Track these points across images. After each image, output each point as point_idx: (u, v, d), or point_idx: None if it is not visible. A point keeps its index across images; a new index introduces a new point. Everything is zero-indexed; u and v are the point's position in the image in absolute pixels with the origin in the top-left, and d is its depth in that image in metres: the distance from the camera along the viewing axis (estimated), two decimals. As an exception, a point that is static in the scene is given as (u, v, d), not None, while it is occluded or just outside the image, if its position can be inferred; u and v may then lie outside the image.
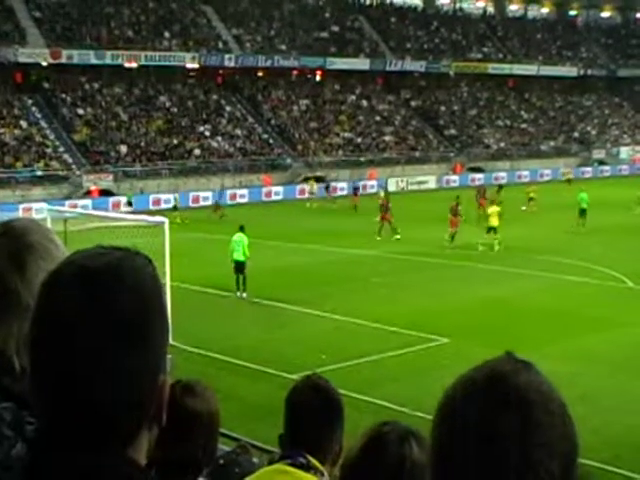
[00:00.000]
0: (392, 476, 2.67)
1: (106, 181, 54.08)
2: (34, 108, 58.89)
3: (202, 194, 54.23)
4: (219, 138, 63.28)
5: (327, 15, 79.30)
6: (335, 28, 77.85)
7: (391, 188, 60.37)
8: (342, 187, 59.15)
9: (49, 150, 55.51)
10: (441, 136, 75.78)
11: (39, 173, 52.77)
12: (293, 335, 21.68)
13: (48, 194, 50.20)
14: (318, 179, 60.88)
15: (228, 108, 67.42)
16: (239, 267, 25.80)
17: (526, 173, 72.18)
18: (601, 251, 33.00)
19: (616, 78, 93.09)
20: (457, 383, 1.40)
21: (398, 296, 25.89)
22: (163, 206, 50.59)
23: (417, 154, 71.47)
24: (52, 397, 1.43)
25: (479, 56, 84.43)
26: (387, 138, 71.75)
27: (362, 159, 67.69)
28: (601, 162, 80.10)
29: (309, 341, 20.98)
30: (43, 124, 57.79)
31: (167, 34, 66.89)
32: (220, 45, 69.01)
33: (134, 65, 64.26)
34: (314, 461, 3.12)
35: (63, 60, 59.58)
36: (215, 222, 43.16)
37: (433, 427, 1.41)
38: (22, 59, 58.19)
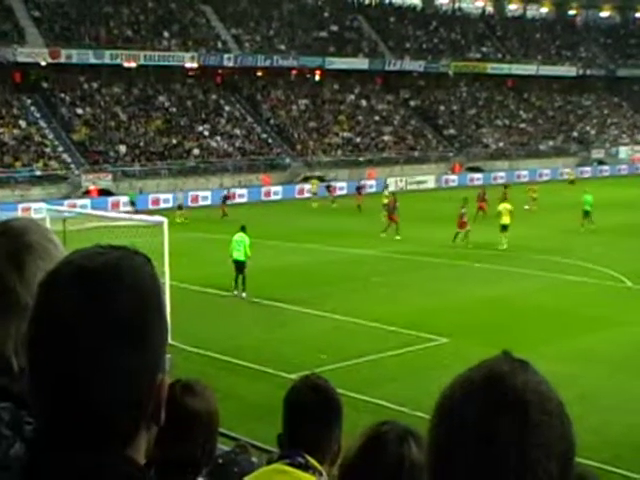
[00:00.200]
0: (391, 476, 2.66)
1: (105, 181, 54.06)
2: (33, 108, 58.88)
3: (201, 194, 54.21)
4: (218, 138, 63.28)
5: (326, 15, 79.30)
6: (334, 28, 77.85)
7: (390, 188, 60.36)
8: (341, 187, 59.12)
9: (48, 150, 55.49)
10: (440, 136, 75.78)
11: (38, 173, 52.75)
12: (292, 335, 21.68)
13: (47, 194, 50.18)
14: (318, 179, 60.88)
15: (227, 108, 67.42)
16: (239, 267, 25.80)
17: (525, 173, 72.20)
18: (600, 251, 33.01)
19: (615, 78, 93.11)
20: (455, 383, 1.40)
21: (397, 296, 25.89)
22: (162, 206, 50.64)
23: (416, 154, 71.47)
24: (50, 397, 1.43)
25: (478, 56, 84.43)
26: (386, 138, 71.75)
27: (361, 159, 67.69)
28: (600, 162, 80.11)
29: (308, 341, 20.98)
30: (42, 124, 57.77)
31: (166, 34, 66.88)
32: (219, 45, 69.01)
33: (133, 65, 64.24)
34: (313, 461, 3.12)
35: (62, 60, 59.55)
36: (215, 222, 43.10)
37: (430, 427, 1.40)
38: (21, 59, 58.16)
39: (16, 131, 55.60)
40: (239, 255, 25.76)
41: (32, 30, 60.46)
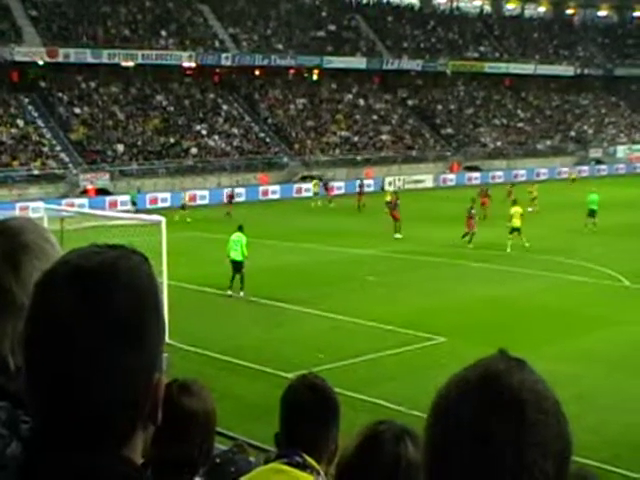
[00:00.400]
0: (387, 475, 2.67)
1: (103, 180, 54.04)
2: (31, 107, 58.83)
3: (199, 193, 54.18)
4: (216, 137, 63.27)
5: (324, 14, 79.29)
6: (332, 27, 77.85)
7: (388, 187, 60.37)
8: (339, 186, 59.11)
9: (46, 149, 55.45)
10: (438, 135, 75.79)
11: (36, 172, 52.72)
12: (290, 334, 21.68)
13: (45, 193, 50.17)
14: (319, 179, 60.88)
15: (225, 107, 67.40)
16: (236, 266, 25.79)
17: (523, 172, 72.22)
18: (597, 250, 33.03)
19: (613, 77, 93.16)
20: (450, 382, 1.40)
21: (395, 295, 25.89)
22: (160, 205, 50.63)
23: (414, 153, 71.49)
24: (47, 396, 1.42)
25: (476, 55, 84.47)
26: (384, 137, 71.77)
27: (359, 158, 67.69)
28: (598, 161, 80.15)
29: (306, 340, 20.97)
30: (40, 123, 57.74)
31: (164, 33, 66.85)
32: (217, 44, 68.98)
33: (131, 64, 64.23)
34: (310, 460, 3.12)
35: (60, 59, 59.52)
36: (213, 221, 43.07)
37: (426, 427, 1.40)
38: (18, 58, 58.12)
39: (14, 130, 55.56)
40: (236, 255, 25.74)
41: (29, 29, 60.41)
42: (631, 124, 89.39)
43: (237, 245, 25.80)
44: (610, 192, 54.38)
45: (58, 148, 56.16)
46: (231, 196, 48.66)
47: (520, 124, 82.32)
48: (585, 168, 76.14)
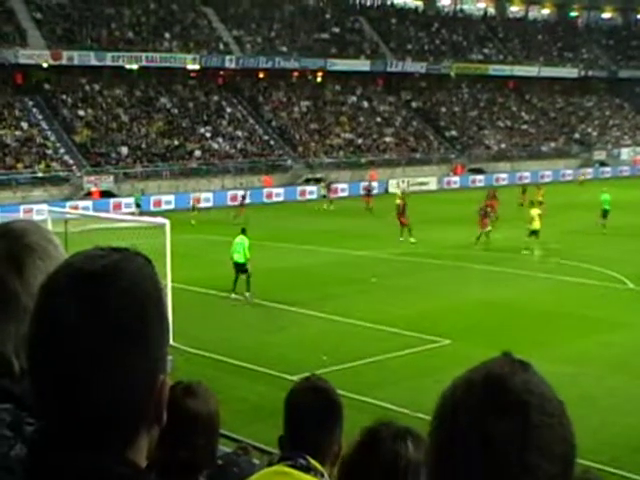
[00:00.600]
0: (387, 473, 2.67)
1: (107, 182, 54.10)
2: (35, 109, 58.93)
3: (203, 195, 54.20)
4: (220, 139, 63.31)
5: (327, 16, 79.34)
6: (335, 29, 77.88)
7: (391, 189, 60.38)
8: (343, 188, 59.10)
9: (50, 151, 55.53)
10: (442, 137, 75.79)
11: (40, 174, 52.79)
12: (294, 336, 21.67)
13: (49, 195, 50.26)
14: (318, 180, 60.94)
15: (229, 109, 67.45)
16: (239, 268, 25.84)
17: (527, 174, 72.15)
18: (602, 252, 32.97)
19: (617, 79, 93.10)
20: (455, 384, 1.40)
21: (399, 297, 25.88)
22: (164, 207, 50.68)
23: (418, 155, 71.48)
24: (51, 398, 1.43)
25: (480, 57, 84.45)
26: (388, 139, 71.76)
27: (363, 160, 67.70)
28: (602, 163, 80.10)
29: (310, 342, 20.97)
30: (44, 125, 57.82)
31: (168, 35, 66.91)
32: (221, 46, 69.03)
33: (135, 66, 64.32)
34: (314, 462, 3.12)
35: (64, 61, 59.60)
36: (217, 223, 43.06)
37: (431, 430, 1.40)
38: (23, 60, 58.19)
39: (18, 133, 55.65)
40: (239, 257, 25.80)
41: (34, 32, 60.50)
42: (635, 126, 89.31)
43: (240, 247, 25.86)
44: (614, 194, 54.33)
45: (62, 150, 56.24)
46: (243, 198, 48.33)
47: (524, 126, 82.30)
48: (589, 170, 76.12)
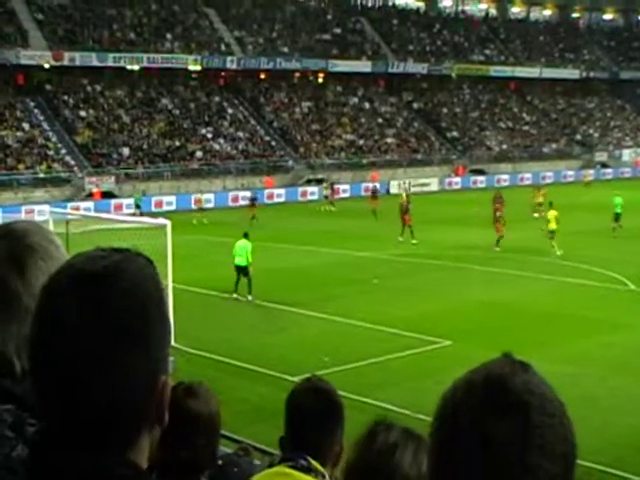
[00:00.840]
0: (383, 472, 2.67)
1: (108, 183, 54.13)
2: (36, 110, 58.97)
3: (204, 196, 54.18)
4: (221, 140, 63.34)
5: (329, 17, 79.37)
6: (337, 30, 77.91)
7: (393, 190, 60.39)
8: (345, 189, 59.10)
9: (51, 152, 55.57)
10: (443, 138, 75.80)
11: (41, 175, 52.83)
12: (295, 337, 21.68)
13: (50, 196, 50.29)
14: (319, 181, 60.95)
15: (230, 110, 67.48)
16: (241, 271, 25.84)
17: (528, 175, 72.16)
18: (603, 253, 32.95)
19: (618, 80, 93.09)
20: (455, 386, 1.40)
21: (400, 298, 25.88)
22: (165, 208, 50.69)
23: (419, 156, 71.50)
24: (52, 400, 1.43)
25: (481, 58, 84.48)
26: (389, 140, 71.78)
27: (364, 161, 67.72)
28: (603, 165, 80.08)
29: (311, 343, 20.97)
30: (45, 126, 57.86)
31: (169, 36, 66.94)
32: (222, 47, 69.06)
33: (136, 67, 64.36)
34: (315, 463, 3.12)
35: (65, 62, 59.66)
36: (220, 224, 43.06)
37: (432, 431, 1.40)
38: (24, 61, 58.26)
39: (19, 133, 55.69)
40: (241, 261, 25.80)
41: (35, 33, 60.56)
42: (637, 127, 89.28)
43: (242, 251, 25.86)
44: (608, 195, 54.32)
45: (63, 151, 56.28)
46: (253, 199, 48.11)
47: (525, 127, 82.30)
48: (590, 172, 76.09)
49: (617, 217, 39.45)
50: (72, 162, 55.52)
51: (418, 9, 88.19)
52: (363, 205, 50.20)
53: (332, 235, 38.83)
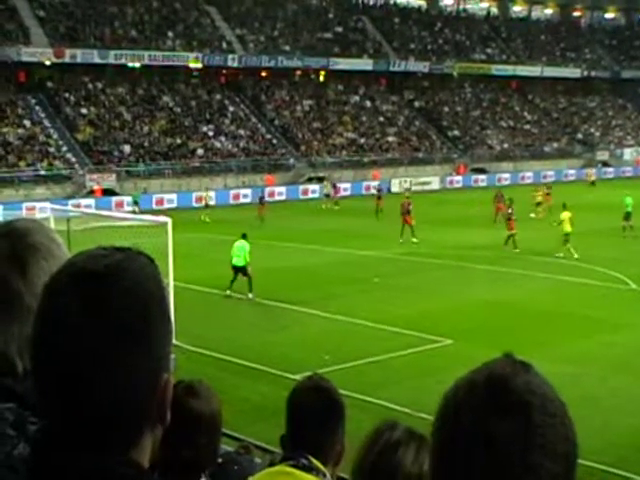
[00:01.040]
0: (386, 469, 2.68)
1: (109, 181, 54.14)
2: (37, 107, 58.98)
3: (203, 194, 54.20)
4: (222, 138, 63.35)
5: (330, 15, 79.35)
6: (338, 29, 77.90)
7: (394, 189, 60.39)
8: (345, 187, 59.11)
9: (52, 149, 55.58)
10: (444, 137, 75.79)
11: (42, 172, 52.85)
12: (296, 336, 21.67)
13: (51, 193, 50.30)
14: (320, 179, 60.95)
15: (231, 108, 67.48)
16: (238, 271, 25.80)
17: (529, 174, 72.18)
18: (604, 253, 32.93)
19: (620, 79, 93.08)
20: (456, 386, 1.40)
21: (402, 297, 25.87)
22: (166, 206, 50.71)
23: (420, 155, 71.51)
24: (54, 399, 1.43)
25: (482, 57, 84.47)
26: (390, 139, 71.78)
27: (365, 159, 67.72)
28: (604, 164, 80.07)
29: (312, 342, 20.96)
30: (46, 123, 57.89)
31: (171, 34, 66.95)
32: (223, 45, 69.07)
33: (137, 65, 64.37)
34: (316, 462, 3.12)
35: (66, 59, 59.69)
36: (222, 222, 43.06)
37: (433, 431, 1.40)
38: (25, 58, 58.29)
39: (20, 131, 55.71)
40: (238, 261, 25.76)
41: (37, 30, 60.57)
42: (638, 126, 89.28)
43: (240, 251, 25.84)
44: (617, 195, 54.32)
45: (65, 148, 56.30)
46: (262, 198, 47.94)
47: (527, 126, 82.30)
48: (593, 170, 76.09)
49: (627, 216, 39.50)
50: (73, 159, 55.55)
51: (419, 7, 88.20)
52: (365, 204, 50.20)
53: (333, 234, 38.82)
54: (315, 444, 3.17)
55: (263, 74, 71.73)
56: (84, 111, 59.92)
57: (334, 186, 54.45)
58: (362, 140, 70.15)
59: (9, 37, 58.52)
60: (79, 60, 60.35)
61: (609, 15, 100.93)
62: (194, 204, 52.05)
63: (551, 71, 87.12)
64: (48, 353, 1.43)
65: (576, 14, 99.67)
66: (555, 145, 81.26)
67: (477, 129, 78.46)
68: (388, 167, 67.46)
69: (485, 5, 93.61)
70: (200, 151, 60.85)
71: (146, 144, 59.19)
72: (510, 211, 35.78)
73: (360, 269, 30.46)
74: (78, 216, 28.25)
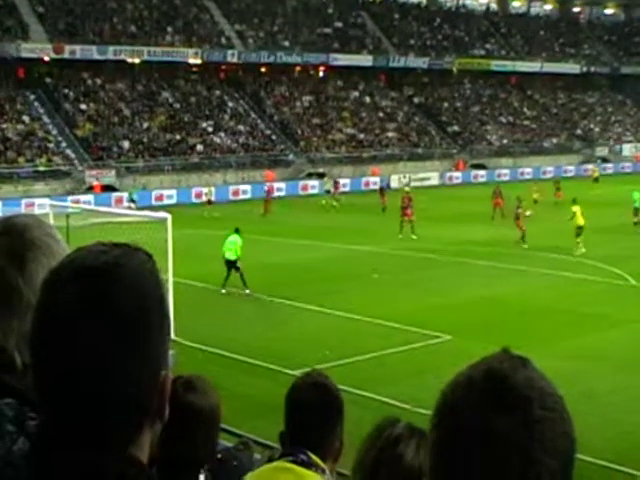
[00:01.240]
0: (387, 463, 2.69)
1: (108, 177, 54.10)
2: (36, 103, 58.93)
3: (205, 190, 54.18)
4: (222, 134, 63.29)
5: (330, 11, 79.26)
6: (338, 24, 77.82)
7: (393, 185, 60.34)
8: (345, 183, 59.07)
9: (51, 145, 55.54)
10: (444, 133, 75.74)
11: (41, 168, 52.79)
12: (296, 331, 21.68)
13: (50, 189, 50.25)
14: (320, 175, 60.89)
15: (231, 104, 67.43)
16: (230, 265, 25.86)
17: (529, 170, 72.14)
18: (604, 249, 32.92)
19: (619, 75, 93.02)
20: (455, 381, 1.39)
21: (401, 293, 25.88)
22: (166, 202, 50.66)
23: (420, 151, 71.45)
24: (53, 394, 1.43)
25: (482, 53, 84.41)
26: (390, 134, 71.73)
27: (365, 155, 67.68)
28: (604, 159, 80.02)
29: (312, 337, 20.98)
30: (45, 119, 57.83)
31: (170, 30, 66.88)
32: (223, 41, 69.01)
33: (137, 61, 64.30)
34: (315, 458, 3.12)
35: (66, 55, 59.58)
36: (221, 218, 43.05)
37: (431, 427, 1.39)
38: (25, 54, 58.20)
39: (19, 126, 55.65)
40: (230, 255, 25.83)
41: (36, 26, 60.50)
42: (637, 122, 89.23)
43: (232, 245, 25.91)
44: (616, 191, 54.37)
45: (64, 144, 56.25)
46: (268, 193, 47.61)
47: (526, 122, 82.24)
48: (590, 166, 76.05)
49: (636, 212, 39.76)
50: (72, 155, 55.49)
51: (419, 3, 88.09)
52: (364, 199, 50.22)
53: (332, 229, 38.82)
54: (314, 440, 3.17)
55: (262, 70, 71.64)
56: (83, 107, 59.86)
57: (335, 182, 54.22)
58: (361, 136, 70.11)
59: (8, 33, 58.43)
60: (78, 56, 60.26)
61: (608, 11, 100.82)
62: (194, 200, 52.01)
63: (550, 67, 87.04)
64: (46, 349, 1.43)
65: (575, 10, 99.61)
66: (554, 141, 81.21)
67: (476, 125, 78.41)
68: (387, 163, 67.40)
69: (484, 1, 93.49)
70: (200, 147, 60.80)
71: (145, 140, 59.14)
72: (519, 211, 35.55)
73: (359, 265, 30.47)
74: (77, 212, 28.23)
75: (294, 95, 71.54)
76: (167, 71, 66.03)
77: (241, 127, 65.21)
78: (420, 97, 79.20)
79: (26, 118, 56.70)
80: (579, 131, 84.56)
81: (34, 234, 1.98)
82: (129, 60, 63.78)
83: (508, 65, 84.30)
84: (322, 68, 75.08)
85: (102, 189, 52.59)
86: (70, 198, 45.93)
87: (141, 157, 57.49)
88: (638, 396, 16.88)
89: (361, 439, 2.82)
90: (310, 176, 62.20)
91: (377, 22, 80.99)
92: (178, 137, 60.63)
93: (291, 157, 64.66)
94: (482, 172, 70.48)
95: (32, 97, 59.15)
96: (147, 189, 53.05)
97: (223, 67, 69.73)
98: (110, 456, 1.42)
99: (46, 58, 59.78)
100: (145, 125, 60.71)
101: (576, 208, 34.15)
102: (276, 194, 57.13)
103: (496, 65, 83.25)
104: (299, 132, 67.35)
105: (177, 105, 64.20)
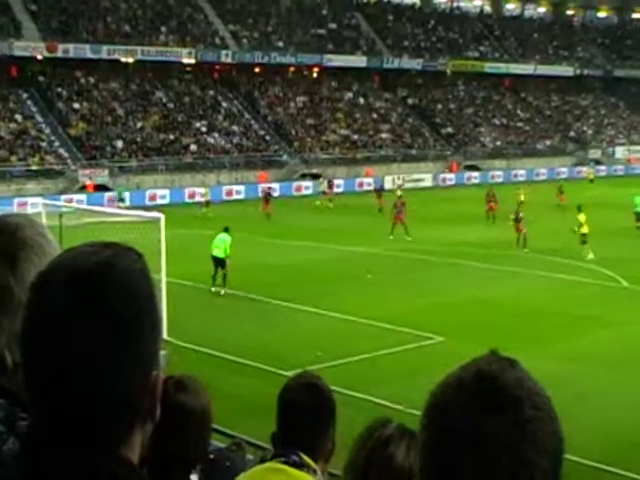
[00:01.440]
0: (377, 463, 2.69)
1: (102, 176, 54.01)
2: (29, 102, 58.80)
3: (198, 190, 54.13)
4: (215, 134, 63.25)
5: (324, 12, 79.28)
6: (332, 25, 77.84)
7: (387, 186, 60.34)
8: (338, 184, 59.08)
9: (44, 144, 55.42)
10: (437, 134, 75.81)
11: (34, 167, 52.68)
12: (289, 332, 21.68)
13: (43, 189, 50.13)
14: (314, 176, 60.87)
15: (224, 104, 67.39)
16: (218, 263, 25.91)
17: (522, 172, 72.32)
18: (597, 251, 32.96)
19: (612, 78, 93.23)
20: (444, 383, 1.39)
21: (394, 294, 25.88)
22: (159, 202, 50.59)
23: (413, 152, 71.50)
24: (43, 395, 1.43)
25: (476, 55, 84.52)
26: (383, 136, 71.77)
27: (358, 156, 67.69)
28: (597, 162, 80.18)
29: (305, 338, 20.98)
30: (38, 118, 57.71)
31: (164, 29, 66.81)
32: (217, 41, 68.96)
33: (130, 60, 64.22)
34: (307, 459, 3.12)
35: (59, 54, 59.46)
36: (214, 218, 43.02)
37: (421, 428, 1.39)
38: (17, 52, 58.06)
39: (12, 125, 55.52)
40: (219, 252, 25.91)
41: (29, 24, 60.37)
42: (630, 125, 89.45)
43: (221, 243, 25.97)
44: (609, 193, 54.50)
45: (57, 143, 56.15)
46: (268, 194, 47.56)
47: (520, 124, 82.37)
48: (584, 169, 76.22)
49: (638, 216, 39.90)
50: (65, 154, 55.40)
51: (413, 5, 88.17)
52: (357, 200, 50.21)
53: (326, 230, 38.81)
54: (306, 441, 3.17)
55: (256, 70, 71.61)
56: (76, 106, 59.76)
57: (329, 182, 54.08)
58: (355, 137, 70.14)
59: (1, 31, 58.27)
60: (71, 55, 60.13)
61: (602, 14, 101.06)
62: (187, 200, 51.96)
63: (544, 69, 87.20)
64: (37, 350, 1.43)
65: (569, 13, 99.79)
66: (548, 143, 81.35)
67: (470, 127, 78.50)
68: (381, 164, 67.41)
69: (478, 3, 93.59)
70: (193, 147, 60.75)
71: (139, 139, 59.07)
72: (521, 215, 35.33)
73: (352, 266, 30.47)
74: (70, 212, 28.18)
75: (288, 96, 71.54)
76: (161, 71, 65.96)
77: (235, 127, 65.18)
78: (414, 98, 79.27)
79: (19, 117, 56.59)
80: (572, 133, 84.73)
81: (26, 233, 1.98)
82: (123, 59, 63.69)
83: (502, 67, 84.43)
84: (316, 69, 75.10)
85: (95, 189, 52.49)
86: (63, 197, 45.86)
87: (134, 157, 57.43)
88: (628, 397, 16.92)
89: (353, 440, 2.83)
90: (304, 177, 62.20)
91: (371, 23, 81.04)
92: (172, 137, 60.58)
93: (285, 158, 64.65)
94: (475, 174, 70.57)
95: (25, 96, 59.02)
96: (140, 189, 52.99)
97: (217, 67, 69.70)
98: (101, 456, 1.41)
99: (39, 57, 59.66)
100: (139, 125, 60.64)
101: (582, 217, 33.71)
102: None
103: (490, 67, 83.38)
104: (293, 133, 67.36)
105: (171, 105, 64.14)
